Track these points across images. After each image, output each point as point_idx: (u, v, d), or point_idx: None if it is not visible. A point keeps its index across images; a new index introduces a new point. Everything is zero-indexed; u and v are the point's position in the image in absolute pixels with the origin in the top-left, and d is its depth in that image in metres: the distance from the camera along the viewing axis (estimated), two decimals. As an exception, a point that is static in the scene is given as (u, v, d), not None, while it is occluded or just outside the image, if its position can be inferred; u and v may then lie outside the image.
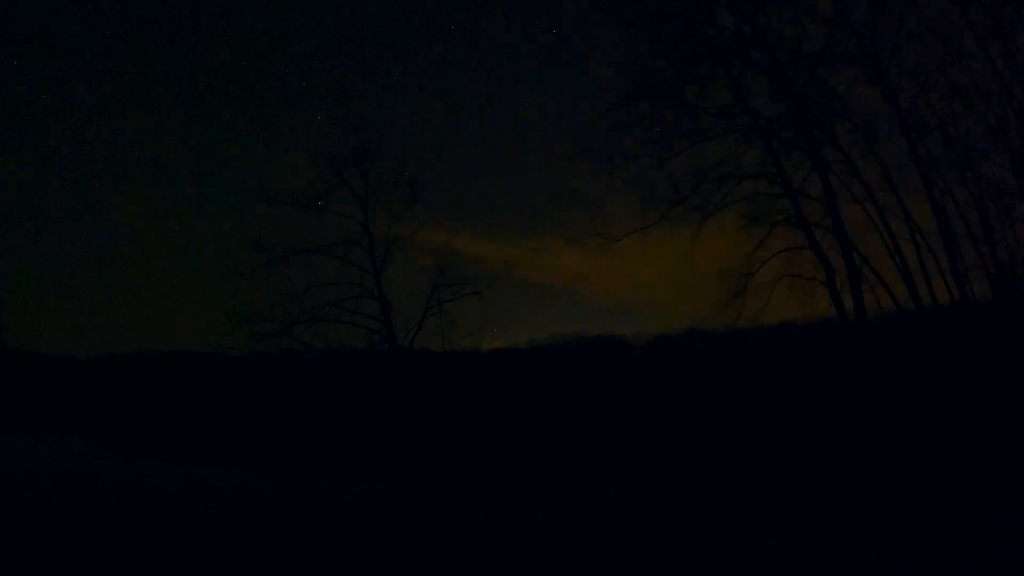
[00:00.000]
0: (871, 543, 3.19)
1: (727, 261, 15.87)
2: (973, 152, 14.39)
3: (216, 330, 21.19)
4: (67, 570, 5.81)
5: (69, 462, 15.72)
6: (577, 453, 13.39)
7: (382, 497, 9.10)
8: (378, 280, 19.16)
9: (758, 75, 15.13)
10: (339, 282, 18.99)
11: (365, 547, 4.87)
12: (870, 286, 14.83)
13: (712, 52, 15.01)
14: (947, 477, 6.50)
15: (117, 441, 22.77)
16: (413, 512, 6.43)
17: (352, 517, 7.33)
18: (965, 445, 8.33)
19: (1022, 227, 14.22)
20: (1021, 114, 13.44)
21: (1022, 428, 8.39)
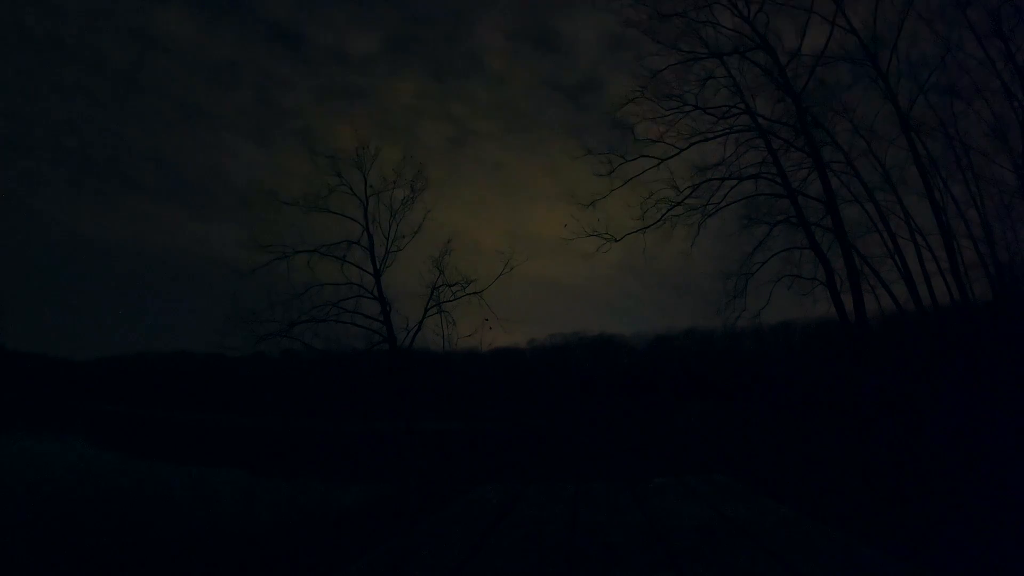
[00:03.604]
0: (870, 543, 3.18)
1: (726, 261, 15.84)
2: (973, 152, 14.38)
3: (216, 330, 21.08)
4: (67, 570, 5.81)
5: (69, 462, 15.71)
6: (577, 453, 13.38)
7: (382, 497, 9.09)
8: (378, 280, 19.14)
9: (758, 75, 15.12)
10: (339, 282, 18.95)
11: (364, 547, 4.86)
12: (870, 286, 14.81)
13: (712, 52, 15.01)
14: (947, 477, 6.50)
15: (117, 441, 22.77)
16: (412, 512, 6.43)
17: (352, 517, 7.33)
18: (965, 445, 8.33)
19: (1022, 227, 14.21)
20: (1021, 114, 13.44)
21: (1022, 428, 8.38)
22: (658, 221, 15.07)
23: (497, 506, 3.61)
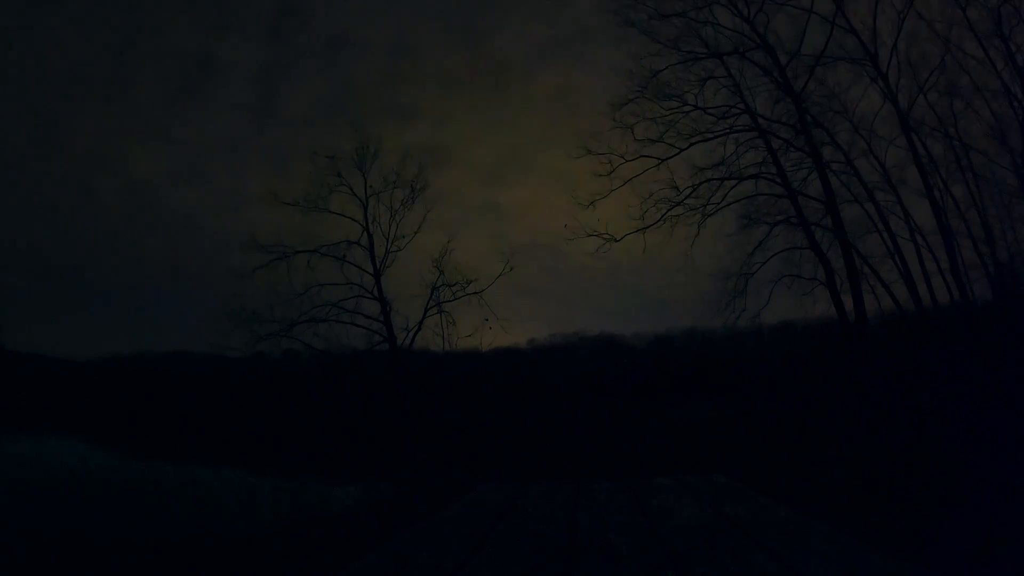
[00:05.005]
0: (870, 543, 3.18)
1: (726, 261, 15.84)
2: (973, 152, 14.40)
3: (216, 330, 21.04)
4: (67, 571, 5.81)
5: (69, 462, 15.70)
6: (577, 452, 13.36)
7: (381, 497, 9.09)
8: (378, 280, 19.18)
9: (758, 75, 15.14)
10: (339, 282, 18.99)
11: (364, 547, 4.86)
12: (870, 286, 14.83)
13: (712, 52, 15.03)
14: (947, 478, 6.49)
15: (117, 441, 22.74)
16: (412, 512, 6.42)
17: (352, 517, 7.33)
18: (965, 446, 8.32)
19: (1022, 227, 14.22)
20: (1021, 114, 13.44)
21: (1022, 428, 8.38)
22: (658, 221, 15.14)
23: (497, 506, 3.60)
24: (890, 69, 14.19)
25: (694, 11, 14.86)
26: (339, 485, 11.52)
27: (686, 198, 15.19)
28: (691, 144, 15.33)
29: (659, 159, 15.45)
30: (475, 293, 19.31)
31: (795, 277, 14.99)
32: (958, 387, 11.46)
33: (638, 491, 3.97)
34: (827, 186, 14.34)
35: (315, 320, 18.46)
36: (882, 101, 14.65)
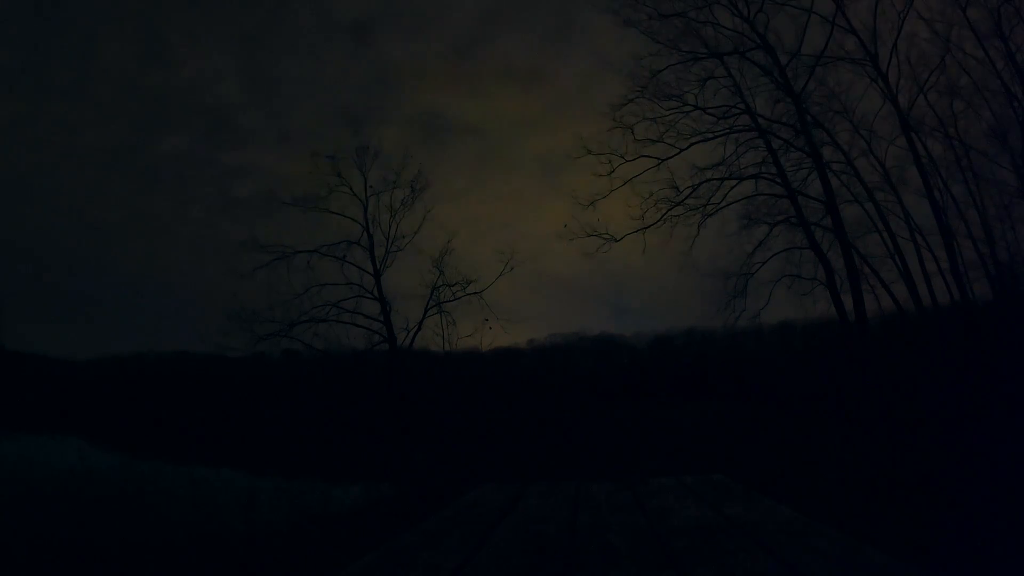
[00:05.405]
0: (870, 543, 3.18)
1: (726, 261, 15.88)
2: (973, 152, 14.40)
3: (216, 330, 21.03)
4: (67, 571, 5.81)
5: (69, 462, 15.70)
6: (577, 452, 13.37)
7: (381, 497, 9.09)
8: (378, 280, 19.18)
9: (758, 75, 15.15)
10: (339, 282, 18.99)
11: (364, 547, 4.85)
12: (870, 286, 14.84)
13: (712, 52, 15.03)
14: (947, 478, 6.49)
15: (117, 441, 22.74)
16: (412, 512, 6.42)
17: (352, 517, 7.32)
18: (965, 446, 8.33)
19: (1022, 227, 14.23)
20: (1021, 114, 13.44)
21: (1022, 429, 8.38)
22: (658, 221, 15.16)
23: (497, 506, 3.60)
24: (890, 69, 14.20)
25: (694, 11, 14.88)
26: (339, 485, 11.52)
27: (686, 198, 15.23)
28: (691, 144, 15.36)
29: (659, 159, 15.48)
30: (475, 293, 19.33)
31: (795, 277, 15.03)
32: (958, 387, 11.47)
33: (638, 491, 3.97)
34: (827, 186, 14.35)
35: (315, 320, 18.47)
36: (882, 101, 14.67)
